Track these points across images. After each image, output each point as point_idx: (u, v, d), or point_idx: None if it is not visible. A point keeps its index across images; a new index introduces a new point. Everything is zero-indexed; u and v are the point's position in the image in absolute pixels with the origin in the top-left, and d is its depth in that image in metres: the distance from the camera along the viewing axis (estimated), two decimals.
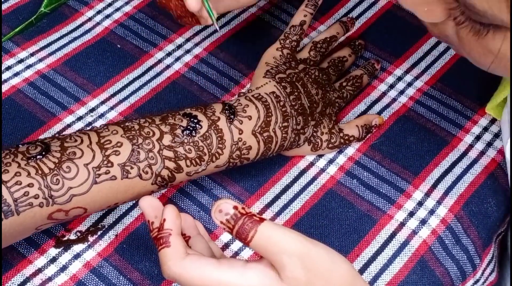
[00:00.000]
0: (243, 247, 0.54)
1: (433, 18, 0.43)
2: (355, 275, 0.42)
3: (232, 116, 0.51)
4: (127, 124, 0.49)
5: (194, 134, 0.50)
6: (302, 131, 0.55)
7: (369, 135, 0.60)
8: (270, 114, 0.53)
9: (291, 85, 0.55)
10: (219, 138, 0.50)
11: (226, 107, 0.52)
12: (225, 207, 0.40)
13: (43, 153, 0.46)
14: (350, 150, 0.59)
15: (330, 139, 0.57)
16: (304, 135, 0.56)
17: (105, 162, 0.47)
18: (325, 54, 0.63)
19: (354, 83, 0.61)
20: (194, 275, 0.40)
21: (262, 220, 0.40)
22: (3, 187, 0.44)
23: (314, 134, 0.57)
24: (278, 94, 0.54)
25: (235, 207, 0.40)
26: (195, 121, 0.50)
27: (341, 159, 0.59)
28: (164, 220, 0.43)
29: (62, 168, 0.46)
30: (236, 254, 0.53)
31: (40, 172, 0.45)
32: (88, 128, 0.50)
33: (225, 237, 0.54)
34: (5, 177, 0.44)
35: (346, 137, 0.58)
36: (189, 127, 0.50)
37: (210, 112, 0.51)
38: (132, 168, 0.48)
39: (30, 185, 0.45)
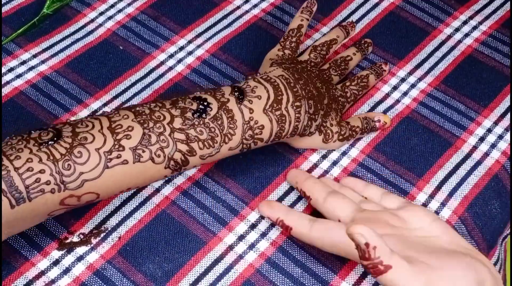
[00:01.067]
0: (260, 239, 0.54)
1: None
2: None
3: (242, 97, 0.51)
4: (137, 108, 0.49)
5: (204, 116, 0.50)
6: (314, 117, 0.55)
7: (373, 133, 0.60)
8: (280, 93, 0.53)
9: (298, 73, 0.55)
10: (229, 119, 0.50)
11: (235, 89, 0.52)
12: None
13: (55, 139, 0.46)
14: (354, 152, 0.59)
15: (340, 131, 0.58)
16: (316, 122, 0.55)
17: (116, 146, 0.47)
18: (327, 57, 0.63)
19: (358, 83, 0.61)
20: None
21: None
22: (14, 174, 0.44)
23: (324, 124, 0.57)
24: (287, 77, 0.54)
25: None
26: (205, 103, 0.50)
27: (345, 161, 0.59)
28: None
29: (73, 153, 0.46)
30: (252, 246, 0.53)
31: (51, 157, 0.45)
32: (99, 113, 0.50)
33: (241, 228, 0.54)
34: (17, 163, 0.44)
35: (353, 128, 0.58)
36: (199, 109, 0.50)
37: (219, 95, 0.51)
38: (144, 151, 0.48)
39: (41, 171, 0.45)
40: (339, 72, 0.62)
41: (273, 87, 0.52)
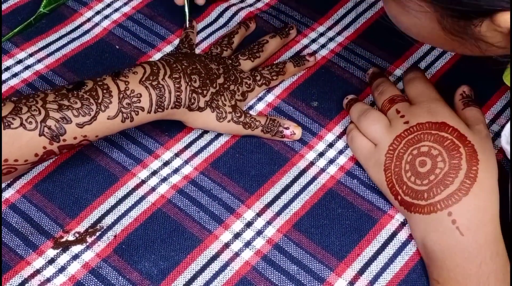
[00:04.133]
0: (256, 236, 0.54)
1: None
2: None
3: (118, 74, 0.53)
4: (24, 101, 0.51)
5: (78, 91, 0.52)
6: (201, 91, 0.56)
7: (279, 138, 0.59)
8: (157, 68, 0.54)
9: (182, 57, 0.57)
10: (105, 91, 0.52)
11: (113, 72, 0.54)
12: None
13: None
14: (350, 151, 0.59)
15: (235, 113, 0.58)
16: (204, 97, 0.56)
17: None
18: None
19: (273, 68, 0.63)
20: None
21: None
22: None
23: (216, 102, 0.57)
24: (166, 58, 0.56)
25: None
26: (81, 83, 0.52)
27: (342, 160, 0.58)
28: None
29: None
30: (248, 244, 0.53)
31: None
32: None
33: (237, 226, 0.54)
34: None
35: (253, 120, 0.59)
36: (72, 87, 0.52)
37: (98, 78, 0.53)
38: (14, 119, 0.50)
39: None
40: (249, 56, 0.63)
41: (150, 65, 0.54)
